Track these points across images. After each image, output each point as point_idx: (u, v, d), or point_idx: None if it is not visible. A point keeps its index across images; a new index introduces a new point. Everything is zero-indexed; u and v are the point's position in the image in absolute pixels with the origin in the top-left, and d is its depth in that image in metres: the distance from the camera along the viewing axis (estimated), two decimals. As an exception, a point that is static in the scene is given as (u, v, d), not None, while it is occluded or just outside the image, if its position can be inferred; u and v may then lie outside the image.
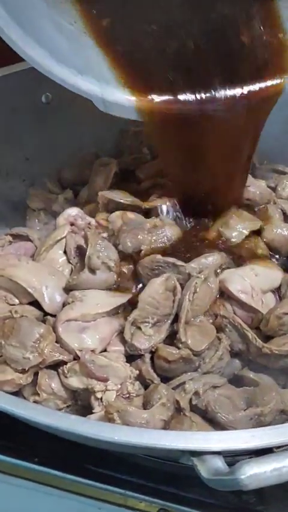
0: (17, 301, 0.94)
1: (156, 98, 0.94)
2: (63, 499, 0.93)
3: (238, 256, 1.00)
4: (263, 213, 1.06)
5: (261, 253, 1.00)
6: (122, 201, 1.05)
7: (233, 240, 1.01)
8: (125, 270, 0.98)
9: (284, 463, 0.63)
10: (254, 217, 1.05)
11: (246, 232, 1.01)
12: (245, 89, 0.95)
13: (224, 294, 0.94)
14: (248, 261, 0.98)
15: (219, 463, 0.67)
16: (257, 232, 1.04)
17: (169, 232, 0.99)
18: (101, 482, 0.91)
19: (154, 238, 0.98)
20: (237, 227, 1.02)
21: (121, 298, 0.94)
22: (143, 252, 0.97)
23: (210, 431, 0.76)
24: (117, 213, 1.05)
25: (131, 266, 0.98)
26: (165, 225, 1.02)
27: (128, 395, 0.86)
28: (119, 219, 1.04)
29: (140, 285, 0.97)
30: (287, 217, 1.07)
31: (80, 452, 0.89)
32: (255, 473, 0.63)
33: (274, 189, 1.13)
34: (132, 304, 0.94)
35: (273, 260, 1.03)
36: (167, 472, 0.90)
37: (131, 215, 1.05)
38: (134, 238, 0.98)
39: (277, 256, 1.04)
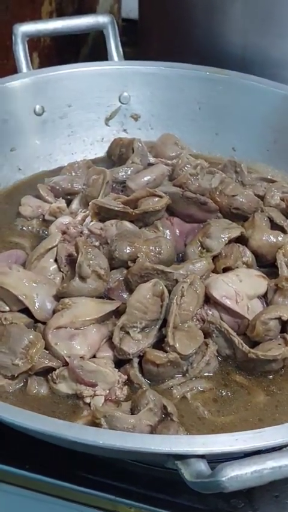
0: (7, 308, 0.95)
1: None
2: (54, 506, 0.93)
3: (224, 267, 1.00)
4: (250, 221, 1.06)
5: (246, 261, 1.00)
6: (112, 207, 1.06)
7: (214, 248, 1.01)
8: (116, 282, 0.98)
9: (265, 465, 0.64)
10: (233, 224, 1.05)
11: (225, 239, 1.01)
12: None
13: (211, 300, 0.94)
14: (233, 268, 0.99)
15: (202, 466, 0.68)
16: (242, 241, 1.04)
17: (164, 244, 1.00)
18: (91, 488, 0.90)
19: (150, 248, 0.98)
20: (216, 235, 1.02)
21: (110, 306, 0.94)
22: (138, 260, 0.96)
23: (194, 435, 0.76)
24: (112, 221, 1.06)
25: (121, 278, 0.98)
26: (160, 236, 1.03)
27: (116, 400, 0.87)
28: (114, 227, 1.05)
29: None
30: (274, 224, 1.07)
31: (71, 459, 0.89)
32: (236, 475, 0.63)
33: (262, 198, 1.13)
34: (121, 313, 0.94)
35: (259, 267, 1.03)
36: (156, 478, 0.90)
37: (126, 224, 1.06)
38: (131, 245, 0.98)
39: (263, 263, 1.04)
